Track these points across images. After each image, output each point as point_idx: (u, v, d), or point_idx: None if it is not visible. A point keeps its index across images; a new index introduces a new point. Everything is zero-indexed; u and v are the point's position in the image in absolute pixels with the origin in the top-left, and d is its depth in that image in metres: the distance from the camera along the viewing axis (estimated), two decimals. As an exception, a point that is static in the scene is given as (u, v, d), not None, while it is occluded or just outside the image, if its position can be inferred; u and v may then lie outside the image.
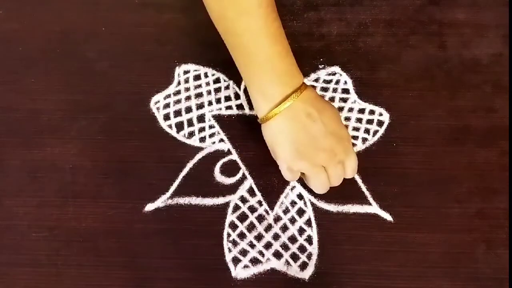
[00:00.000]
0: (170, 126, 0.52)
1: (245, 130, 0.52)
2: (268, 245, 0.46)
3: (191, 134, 0.52)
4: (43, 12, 0.60)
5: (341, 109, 0.53)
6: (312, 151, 0.43)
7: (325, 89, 0.54)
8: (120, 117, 0.53)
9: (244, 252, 0.46)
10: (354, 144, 0.51)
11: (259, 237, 0.47)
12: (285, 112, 0.42)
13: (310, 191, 0.48)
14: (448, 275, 0.45)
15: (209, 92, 0.54)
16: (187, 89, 0.54)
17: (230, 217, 0.48)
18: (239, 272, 0.45)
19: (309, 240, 0.46)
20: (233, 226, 0.47)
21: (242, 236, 0.47)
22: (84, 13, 0.60)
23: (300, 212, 0.48)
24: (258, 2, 0.40)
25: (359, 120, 0.52)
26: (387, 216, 0.47)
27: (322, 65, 0.56)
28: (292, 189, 0.49)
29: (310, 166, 0.44)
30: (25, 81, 0.55)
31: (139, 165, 0.50)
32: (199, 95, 0.54)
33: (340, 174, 0.45)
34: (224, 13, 0.42)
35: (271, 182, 0.49)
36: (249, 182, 0.49)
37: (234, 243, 0.46)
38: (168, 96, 0.54)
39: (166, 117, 0.53)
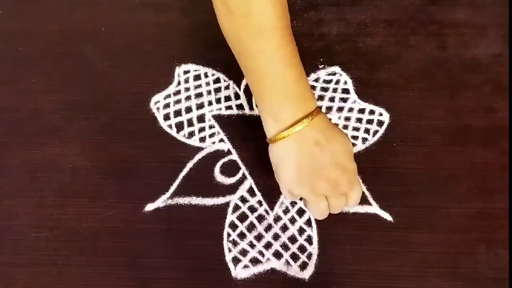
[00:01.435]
0: (170, 126, 0.52)
1: (245, 130, 0.52)
2: (268, 245, 0.46)
3: (191, 134, 0.52)
4: (43, 12, 0.60)
5: (341, 109, 0.53)
6: (315, 179, 0.41)
7: (325, 89, 0.54)
8: (120, 117, 0.53)
9: (244, 252, 0.46)
10: (354, 144, 0.51)
11: (259, 237, 0.47)
12: (293, 137, 0.41)
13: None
14: (448, 275, 0.45)
15: (209, 92, 0.54)
16: (187, 89, 0.54)
17: (230, 217, 0.48)
18: (239, 272, 0.45)
19: (309, 240, 0.46)
20: (233, 226, 0.47)
21: (242, 236, 0.47)
22: (84, 13, 0.60)
23: (300, 212, 0.48)
24: (272, 24, 0.39)
25: (359, 120, 0.52)
26: (387, 216, 0.47)
27: (322, 65, 0.56)
28: (292, 189, 0.49)
29: (310, 194, 0.42)
30: (25, 81, 0.55)
31: (139, 165, 0.50)
32: (199, 95, 0.54)
33: (342, 205, 0.44)
34: (237, 34, 0.41)
35: (271, 182, 0.49)
36: (249, 182, 0.49)
37: (234, 243, 0.46)
38: (168, 96, 0.54)
39: (166, 117, 0.53)
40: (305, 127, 0.41)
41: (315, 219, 0.47)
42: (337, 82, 0.55)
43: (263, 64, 0.41)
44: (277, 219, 0.47)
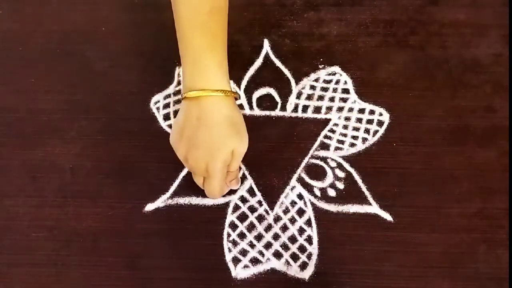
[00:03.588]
0: (170, 126, 0.52)
1: (245, 130, 0.52)
2: (268, 245, 0.46)
3: (191, 134, 0.52)
4: (43, 12, 0.60)
5: (341, 109, 0.53)
6: (181, 145, 0.44)
7: (325, 89, 0.54)
8: (120, 117, 0.53)
9: (244, 252, 0.46)
10: (354, 144, 0.51)
11: (259, 237, 0.47)
12: (183, 102, 0.44)
13: (310, 191, 0.48)
14: (448, 275, 0.45)
15: (209, 92, 0.54)
16: (187, 89, 0.54)
17: (230, 217, 0.48)
18: (239, 272, 0.45)
19: (309, 240, 0.46)
20: (233, 226, 0.47)
21: (242, 236, 0.47)
22: (84, 13, 0.60)
23: (300, 212, 0.48)
24: None
25: (359, 120, 0.52)
26: (387, 216, 0.47)
27: (322, 65, 0.56)
28: (292, 189, 0.49)
29: (180, 157, 0.45)
30: (25, 81, 0.55)
31: (139, 165, 0.50)
32: (199, 95, 0.54)
33: (200, 184, 0.46)
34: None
35: (271, 182, 0.49)
36: (249, 182, 0.49)
37: (234, 243, 0.46)
38: (168, 96, 0.54)
39: (166, 117, 0.53)
40: (192, 99, 0.42)
41: (315, 220, 0.47)
42: (337, 82, 0.55)
43: (177, 24, 0.44)
44: (277, 219, 0.47)
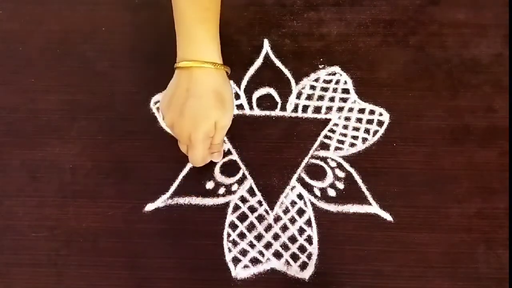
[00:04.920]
0: (170, 126, 0.52)
1: (245, 130, 0.52)
2: (268, 245, 0.46)
3: (191, 134, 0.52)
4: (43, 12, 0.60)
5: (341, 109, 0.53)
6: (169, 112, 0.44)
7: (325, 89, 0.54)
8: (120, 117, 0.53)
9: (244, 252, 0.46)
10: (354, 144, 0.51)
11: (259, 237, 0.47)
12: (176, 72, 0.46)
13: (310, 191, 0.48)
14: (448, 275, 0.45)
15: (209, 92, 0.54)
16: (187, 89, 0.54)
17: (230, 217, 0.48)
18: (239, 272, 0.45)
19: (309, 240, 0.46)
20: (233, 226, 0.47)
21: (242, 236, 0.47)
22: (84, 13, 0.60)
23: (300, 212, 0.48)
24: None
25: (359, 120, 0.52)
26: (387, 216, 0.47)
27: (322, 65, 0.56)
28: (292, 189, 0.49)
29: (167, 123, 0.45)
30: (25, 81, 0.55)
31: (139, 165, 0.50)
32: (199, 95, 0.54)
33: (185, 151, 0.47)
34: None
35: (271, 182, 0.49)
36: (249, 182, 0.49)
37: (234, 243, 0.46)
38: (168, 96, 0.54)
39: (166, 117, 0.53)
40: (182, 69, 0.45)
41: (315, 220, 0.47)
42: (337, 82, 0.55)
43: None
44: (277, 219, 0.48)
